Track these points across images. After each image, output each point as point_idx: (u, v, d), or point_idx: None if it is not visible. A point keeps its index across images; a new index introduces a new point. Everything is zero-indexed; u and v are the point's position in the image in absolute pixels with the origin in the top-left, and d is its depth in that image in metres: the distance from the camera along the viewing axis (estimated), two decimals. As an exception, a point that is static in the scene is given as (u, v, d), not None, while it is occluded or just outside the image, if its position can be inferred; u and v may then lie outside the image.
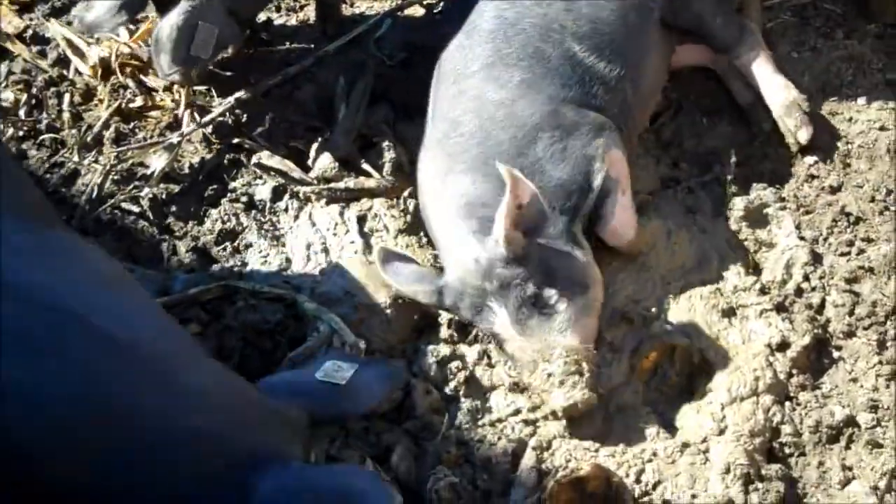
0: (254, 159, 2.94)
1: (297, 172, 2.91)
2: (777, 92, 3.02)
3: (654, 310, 2.61)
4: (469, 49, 2.80)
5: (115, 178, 2.93)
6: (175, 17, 2.75)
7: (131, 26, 3.25)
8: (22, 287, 1.57)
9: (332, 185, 2.87)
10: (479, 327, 2.54)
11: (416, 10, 3.39)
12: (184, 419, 1.71)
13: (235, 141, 3.02)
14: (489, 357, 2.55)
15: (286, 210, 2.91)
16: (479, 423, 2.41)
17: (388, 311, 2.57)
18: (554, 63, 2.73)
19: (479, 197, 2.56)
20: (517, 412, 2.44)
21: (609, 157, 2.66)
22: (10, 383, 1.50)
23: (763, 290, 2.65)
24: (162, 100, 3.12)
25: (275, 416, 1.95)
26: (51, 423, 1.53)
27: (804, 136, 2.96)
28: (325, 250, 2.77)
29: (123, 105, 3.10)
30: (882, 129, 2.98)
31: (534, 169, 2.58)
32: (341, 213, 2.82)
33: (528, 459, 2.31)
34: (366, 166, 2.93)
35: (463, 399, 2.45)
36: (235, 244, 2.85)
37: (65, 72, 3.21)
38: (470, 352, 2.55)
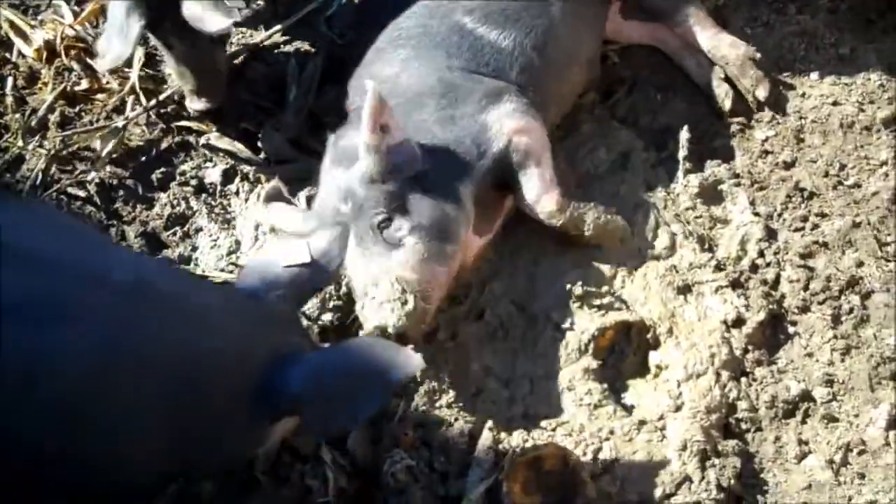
0: (202, 140, 2.88)
1: (246, 153, 2.86)
2: (727, 51, 3.02)
3: (607, 289, 2.59)
4: (377, 34, 2.81)
5: (61, 162, 2.86)
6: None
7: (76, 7, 3.17)
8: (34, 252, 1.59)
9: (283, 166, 2.82)
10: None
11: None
12: (207, 341, 1.74)
13: (184, 123, 2.96)
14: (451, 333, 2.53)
15: (237, 193, 2.86)
16: (437, 404, 2.39)
17: (331, 289, 2.53)
18: (441, 36, 2.71)
19: (354, 149, 2.48)
20: (477, 393, 2.43)
21: (513, 127, 2.60)
22: (54, 346, 1.53)
23: (719, 267, 2.65)
24: (108, 83, 3.05)
25: (275, 317, 1.95)
26: (93, 374, 1.57)
27: (762, 92, 2.98)
28: (274, 230, 2.73)
29: (69, 88, 3.02)
30: (835, 104, 2.98)
31: (420, 130, 2.53)
32: (291, 194, 2.77)
33: (485, 440, 2.29)
34: (316, 147, 2.88)
35: (420, 380, 2.42)
36: (185, 229, 2.79)
37: (7, 55, 3.12)
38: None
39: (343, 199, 2.44)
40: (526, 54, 2.75)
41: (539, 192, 2.60)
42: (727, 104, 2.99)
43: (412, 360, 1.86)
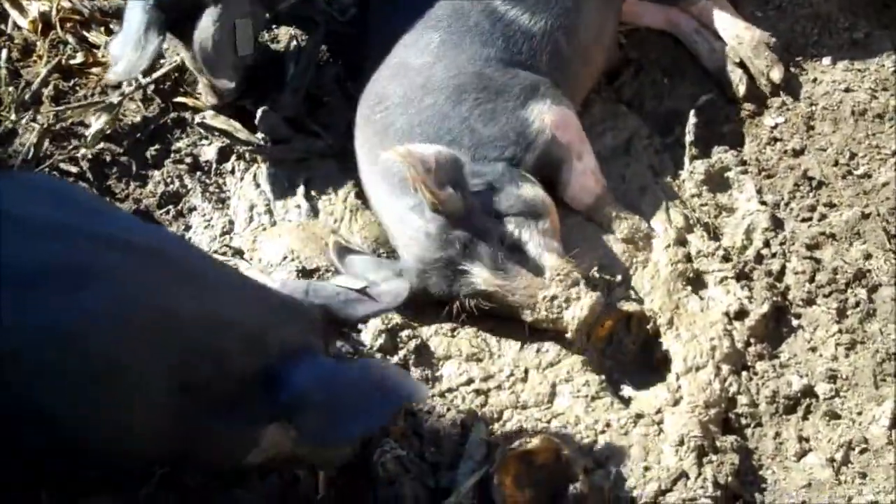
0: (197, 119, 2.82)
1: (242, 133, 2.79)
2: (741, 34, 2.97)
3: (618, 277, 2.53)
4: (392, 14, 2.72)
5: (54, 138, 2.81)
6: (210, 25, 2.55)
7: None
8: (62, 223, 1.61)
9: (279, 146, 2.76)
10: (462, 294, 2.41)
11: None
12: (220, 314, 1.72)
13: (179, 100, 2.91)
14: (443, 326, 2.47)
15: (232, 172, 2.81)
16: (430, 392, 2.33)
17: (328, 275, 2.48)
18: (473, 20, 2.63)
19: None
20: (469, 381, 2.37)
21: (554, 121, 2.57)
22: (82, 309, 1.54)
23: (725, 258, 2.58)
24: (104, 56, 2.99)
25: (296, 311, 1.92)
26: (115, 337, 1.58)
27: (777, 74, 2.92)
28: (269, 212, 2.69)
29: (63, 61, 2.97)
30: (847, 90, 2.90)
31: (462, 129, 2.50)
32: (288, 175, 2.72)
33: (478, 431, 2.24)
34: (315, 127, 2.82)
35: (413, 368, 2.38)
36: (179, 207, 2.74)
37: (3, 26, 3.07)
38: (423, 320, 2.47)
39: (444, 247, 2.39)
40: (555, 39, 2.69)
41: (582, 187, 2.62)
42: (741, 89, 2.92)
43: (419, 389, 1.90)
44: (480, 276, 2.37)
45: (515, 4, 2.66)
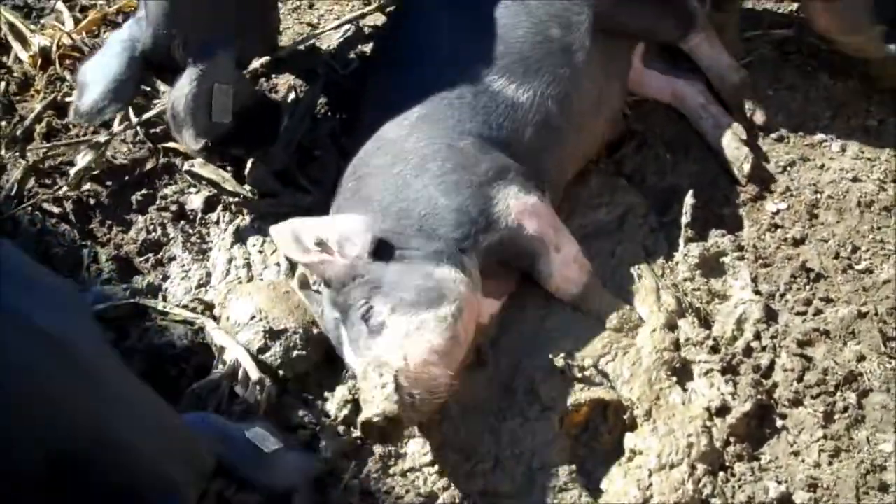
0: (186, 166, 2.78)
1: (230, 184, 2.74)
2: (727, 74, 2.96)
3: (590, 361, 2.44)
4: (386, 76, 2.70)
5: (40, 175, 2.78)
6: (187, 85, 2.49)
7: (78, 14, 3.10)
8: None
9: (266, 199, 2.71)
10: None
11: (378, 19, 3.20)
12: (112, 429, 1.67)
13: (171, 145, 2.86)
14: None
15: (217, 223, 2.76)
16: (390, 471, 2.26)
17: (296, 337, 2.41)
18: (457, 91, 2.57)
19: None
20: (433, 463, 2.29)
21: (519, 210, 2.47)
22: None
23: (713, 348, 2.49)
24: (99, 96, 2.95)
25: (188, 451, 1.88)
26: None
27: (761, 117, 2.92)
28: (248, 266, 2.64)
29: (59, 98, 2.95)
30: (855, 179, 2.81)
31: (418, 197, 2.42)
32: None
33: (434, 518, 2.16)
34: (303, 182, 2.77)
35: (376, 444, 2.30)
36: (159, 256, 2.70)
37: (4, 58, 3.06)
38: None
39: (332, 307, 2.35)
40: (545, 110, 2.62)
41: (565, 278, 2.53)
42: (746, 168, 2.84)
43: None
44: (343, 345, 2.33)
45: (502, 74, 2.60)
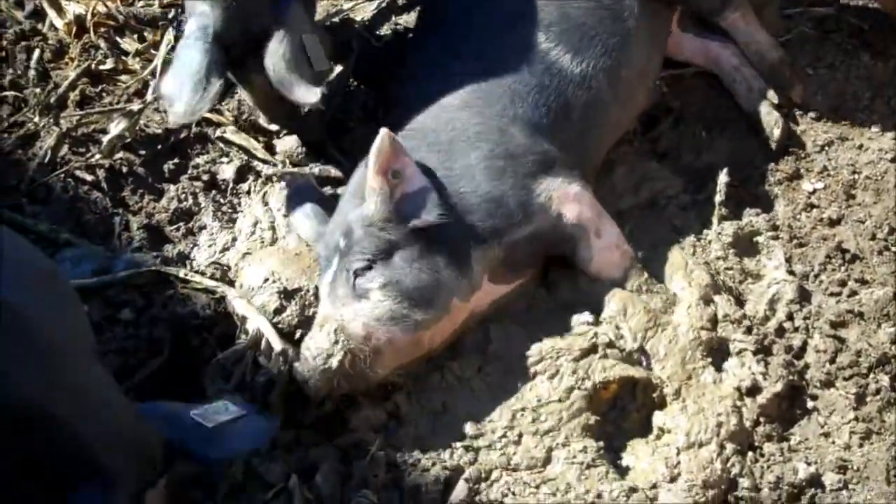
0: (218, 132, 2.77)
1: (260, 152, 2.74)
2: (765, 52, 2.94)
3: (630, 338, 2.42)
4: (429, 43, 2.68)
5: (75, 143, 2.79)
6: (279, 48, 2.42)
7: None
8: None
9: (296, 169, 2.70)
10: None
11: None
12: (51, 405, 1.66)
13: (205, 114, 2.84)
14: (443, 372, 2.37)
15: (248, 192, 2.76)
16: (416, 445, 2.25)
17: (311, 296, 2.42)
18: (511, 64, 2.55)
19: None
20: (461, 437, 2.28)
21: (561, 199, 2.46)
22: None
23: (748, 329, 2.46)
24: (134, 64, 2.97)
25: (128, 434, 1.86)
26: None
27: (798, 93, 2.90)
28: (272, 228, 2.64)
29: (93, 66, 2.95)
30: (894, 160, 2.77)
31: (463, 174, 2.40)
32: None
33: (460, 491, 2.15)
34: (334, 152, 2.76)
35: (404, 417, 2.29)
36: (189, 225, 2.70)
37: (40, 25, 3.06)
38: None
39: (343, 234, 2.33)
40: (597, 84, 2.61)
41: (607, 262, 2.51)
42: (776, 133, 2.82)
43: None
44: (324, 279, 2.34)
45: (558, 42, 2.58)
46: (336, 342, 2.20)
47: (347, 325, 2.23)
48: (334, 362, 2.19)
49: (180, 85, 2.38)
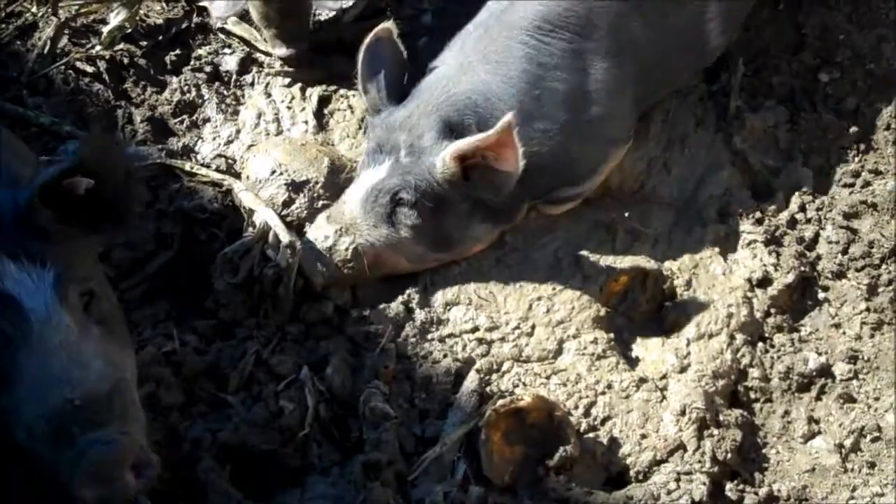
0: (219, 23, 2.71)
1: (261, 43, 2.68)
2: None
3: (644, 227, 2.43)
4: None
5: (73, 33, 2.72)
6: None
7: None
8: None
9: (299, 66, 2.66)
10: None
11: None
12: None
13: (204, 3, 2.78)
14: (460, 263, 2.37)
15: (252, 84, 2.70)
16: (429, 336, 2.25)
17: (318, 187, 2.40)
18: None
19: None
20: (475, 329, 2.27)
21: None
22: None
23: (758, 220, 2.44)
24: (133, -50, 2.87)
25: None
26: None
27: None
28: (277, 121, 2.61)
29: (91, -46, 2.85)
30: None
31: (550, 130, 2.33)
32: (302, 89, 2.63)
33: (471, 381, 2.16)
34: (342, 67, 2.67)
35: (417, 309, 2.29)
36: (193, 118, 2.65)
37: (32, -87, 2.96)
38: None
39: (408, 147, 2.28)
40: None
41: None
42: None
43: None
44: (365, 175, 2.33)
45: None
46: (348, 249, 2.25)
47: (363, 235, 2.25)
48: (336, 265, 2.25)
49: None
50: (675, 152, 2.58)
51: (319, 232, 2.27)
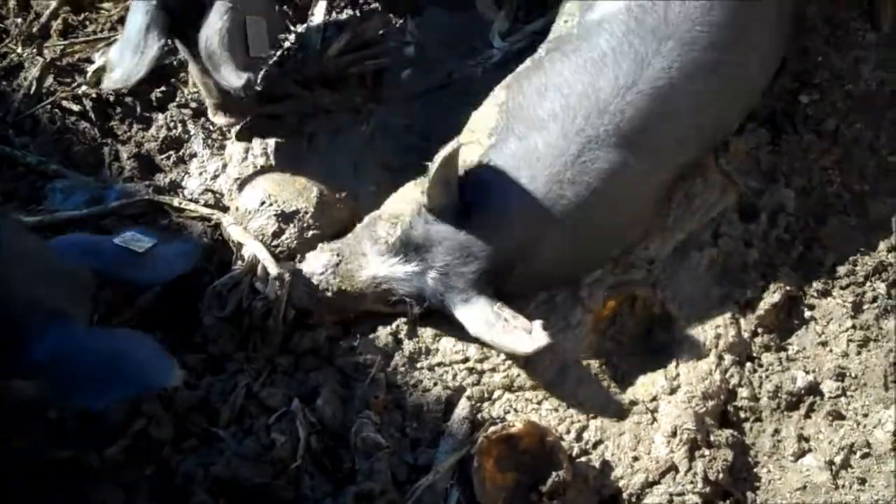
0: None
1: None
2: None
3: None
4: None
5: (60, 74, 2.74)
6: (218, 20, 2.28)
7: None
8: None
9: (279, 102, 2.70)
10: None
11: None
12: None
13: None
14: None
15: (238, 119, 2.72)
16: (418, 365, 2.26)
17: (308, 217, 2.42)
18: None
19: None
20: (465, 360, 2.28)
21: None
22: None
23: (746, 242, 2.45)
24: (115, -9, 2.91)
25: (62, 275, 1.90)
26: None
27: None
28: (265, 154, 2.63)
29: (75, -6, 2.89)
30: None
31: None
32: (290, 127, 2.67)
33: (462, 409, 2.17)
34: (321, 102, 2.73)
35: (406, 340, 2.30)
36: (180, 153, 2.67)
37: (16, -46, 2.99)
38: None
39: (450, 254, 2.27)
40: None
41: None
42: None
43: (170, 372, 1.85)
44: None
45: None
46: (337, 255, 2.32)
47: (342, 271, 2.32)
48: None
49: (122, 50, 2.31)
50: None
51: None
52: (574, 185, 2.25)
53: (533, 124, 2.31)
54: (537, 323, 2.15)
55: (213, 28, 2.28)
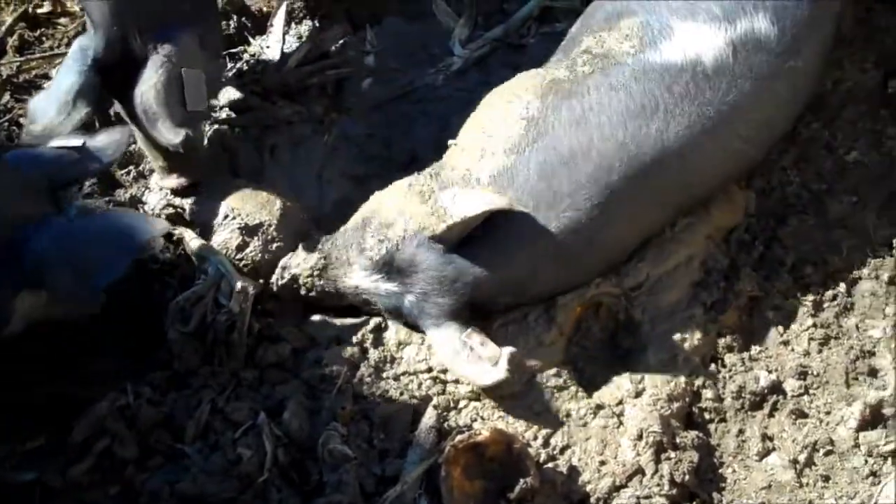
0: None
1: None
2: None
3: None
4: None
5: (17, 90, 2.72)
6: (154, 75, 2.24)
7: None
8: None
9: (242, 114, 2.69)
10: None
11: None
12: None
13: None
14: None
15: (197, 130, 2.71)
16: (384, 375, 2.26)
17: (272, 230, 2.42)
18: None
19: None
20: (430, 369, 2.29)
21: None
22: None
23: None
24: (73, 6, 2.89)
25: (25, 184, 2.03)
26: None
27: None
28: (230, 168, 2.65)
29: (30, 10, 2.87)
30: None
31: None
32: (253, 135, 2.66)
33: (429, 419, 2.17)
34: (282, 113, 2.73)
35: (371, 349, 2.30)
36: (140, 168, 2.65)
37: (-30, -29, 2.97)
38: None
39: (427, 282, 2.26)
40: None
41: None
42: None
43: (155, 224, 2.03)
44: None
45: None
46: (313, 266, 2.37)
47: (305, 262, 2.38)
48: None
49: (47, 104, 2.25)
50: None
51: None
52: (585, 230, 2.23)
53: (562, 158, 2.23)
54: (506, 351, 2.16)
55: (149, 84, 2.24)
